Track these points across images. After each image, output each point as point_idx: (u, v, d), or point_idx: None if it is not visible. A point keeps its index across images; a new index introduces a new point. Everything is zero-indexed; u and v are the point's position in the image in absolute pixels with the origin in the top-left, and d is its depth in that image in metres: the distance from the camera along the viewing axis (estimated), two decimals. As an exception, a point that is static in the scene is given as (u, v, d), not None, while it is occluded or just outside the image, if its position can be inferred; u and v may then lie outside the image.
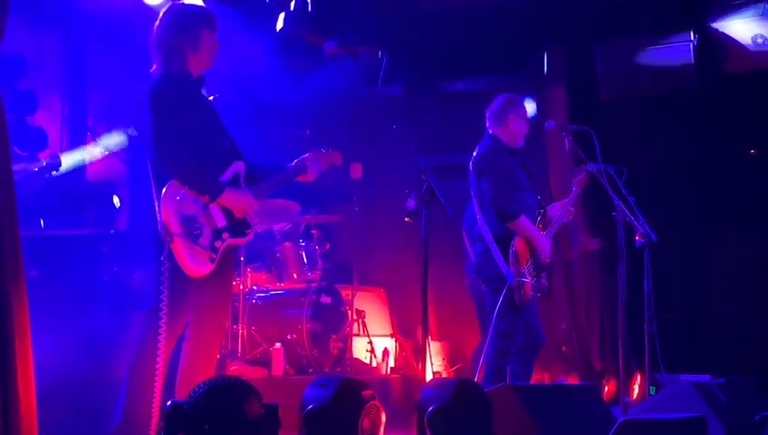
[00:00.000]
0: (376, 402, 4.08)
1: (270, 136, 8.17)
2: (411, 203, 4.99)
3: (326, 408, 3.89)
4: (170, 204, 4.32)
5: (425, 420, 3.85)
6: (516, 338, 5.92)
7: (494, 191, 5.94)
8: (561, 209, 6.27)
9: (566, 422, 4.40)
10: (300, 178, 4.91)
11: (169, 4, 4.83)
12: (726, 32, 7.95)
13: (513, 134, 6.16)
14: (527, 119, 6.26)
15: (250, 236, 4.64)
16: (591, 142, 6.08)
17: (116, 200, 7.27)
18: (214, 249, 4.41)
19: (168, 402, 3.51)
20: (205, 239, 4.39)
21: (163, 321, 4.31)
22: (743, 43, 7.89)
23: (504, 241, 5.89)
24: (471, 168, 6.12)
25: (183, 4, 4.90)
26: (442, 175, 8.35)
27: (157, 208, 4.35)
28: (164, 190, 4.32)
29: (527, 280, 5.82)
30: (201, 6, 5.27)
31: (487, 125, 6.22)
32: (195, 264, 4.35)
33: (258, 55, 7.57)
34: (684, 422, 4.25)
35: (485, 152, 6.10)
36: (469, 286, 7.48)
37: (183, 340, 4.52)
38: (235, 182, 4.58)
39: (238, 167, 4.61)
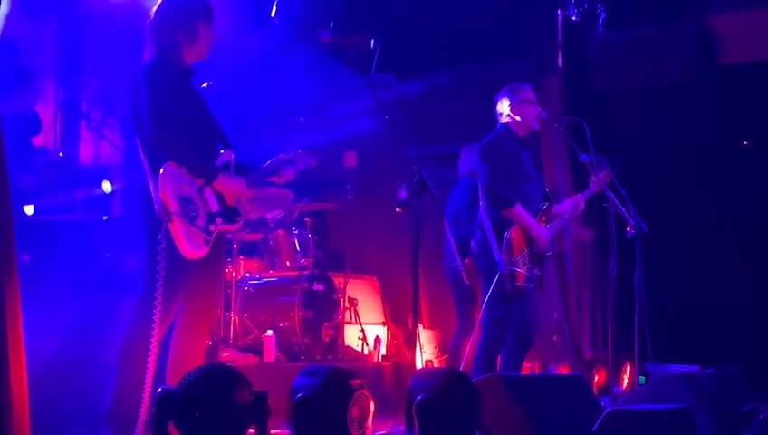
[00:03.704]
0: (365, 391, 4.11)
1: (263, 123, 8.17)
2: (402, 193, 5.00)
3: (315, 397, 3.91)
4: (169, 184, 4.32)
5: (413, 410, 3.88)
6: (510, 328, 5.94)
7: (491, 177, 5.96)
8: (572, 204, 6.27)
9: (554, 413, 4.42)
10: (273, 180, 4.91)
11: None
12: (724, 23, 7.95)
13: (522, 121, 6.16)
14: (532, 100, 6.21)
15: (240, 224, 4.66)
16: (584, 134, 6.09)
17: (107, 186, 7.26)
18: (209, 232, 4.43)
19: (159, 389, 3.53)
20: (200, 221, 4.41)
21: (158, 301, 4.29)
22: (740, 34, 7.89)
23: (501, 229, 5.90)
24: (477, 154, 6.15)
25: None
26: (434, 164, 8.39)
27: (153, 189, 4.34)
28: (162, 170, 4.31)
29: (519, 269, 5.83)
30: None
31: (497, 116, 6.24)
32: (192, 245, 4.36)
33: (251, 43, 7.56)
34: (670, 414, 4.27)
35: (491, 139, 6.13)
36: (446, 272, 7.49)
37: (174, 326, 4.53)
38: (226, 169, 4.59)
39: (228, 155, 4.63)
